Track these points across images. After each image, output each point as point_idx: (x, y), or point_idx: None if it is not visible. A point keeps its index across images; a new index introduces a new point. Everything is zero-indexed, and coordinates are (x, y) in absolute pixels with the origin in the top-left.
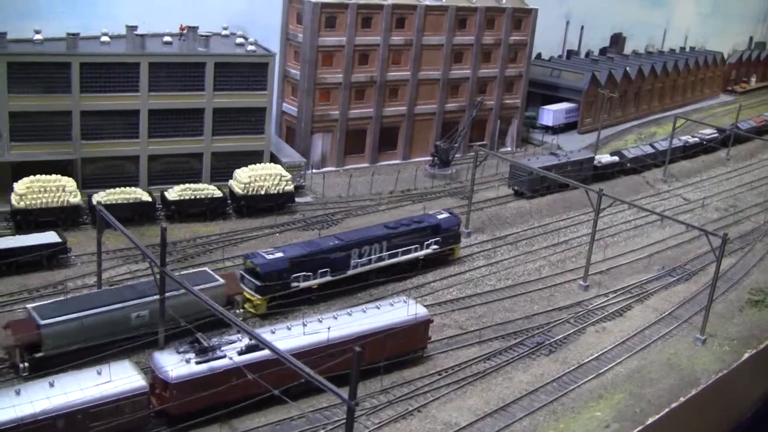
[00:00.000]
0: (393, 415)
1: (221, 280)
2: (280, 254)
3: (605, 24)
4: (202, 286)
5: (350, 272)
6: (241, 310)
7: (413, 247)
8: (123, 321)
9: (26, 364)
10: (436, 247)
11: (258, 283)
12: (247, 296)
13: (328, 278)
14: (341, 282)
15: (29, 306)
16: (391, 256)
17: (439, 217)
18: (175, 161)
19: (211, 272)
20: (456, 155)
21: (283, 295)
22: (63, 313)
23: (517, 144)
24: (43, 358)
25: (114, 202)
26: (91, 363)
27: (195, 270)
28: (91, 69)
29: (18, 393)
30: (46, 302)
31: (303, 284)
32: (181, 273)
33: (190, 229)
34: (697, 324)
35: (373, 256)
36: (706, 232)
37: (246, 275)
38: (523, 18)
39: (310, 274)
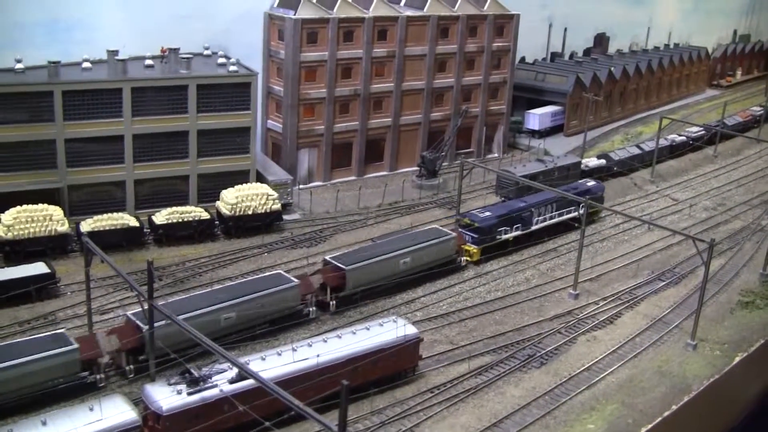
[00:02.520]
0: None
1: (295, 281)
2: (488, 213)
3: (588, 25)
4: (277, 288)
5: (533, 227)
6: (465, 259)
7: (572, 208)
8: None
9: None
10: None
11: (475, 236)
12: (466, 248)
13: (520, 232)
14: (527, 235)
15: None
16: (559, 215)
17: (589, 184)
18: (161, 184)
19: (286, 274)
20: (443, 164)
21: (491, 245)
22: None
23: (504, 150)
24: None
25: (101, 228)
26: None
27: (269, 273)
28: (73, 96)
29: None
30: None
31: (503, 236)
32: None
33: (178, 253)
34: (687, 329)
35: (547, 215)
36: (693, 238)
37: (464, 231)
38: (505, 24)
39: (508, 228)
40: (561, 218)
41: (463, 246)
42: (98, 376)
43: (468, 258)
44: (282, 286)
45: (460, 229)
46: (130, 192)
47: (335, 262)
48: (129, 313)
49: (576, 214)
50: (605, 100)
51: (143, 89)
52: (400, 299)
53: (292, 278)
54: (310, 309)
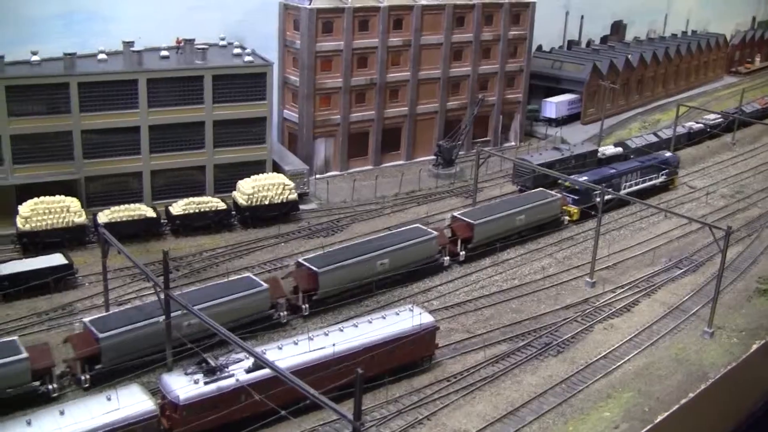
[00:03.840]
0: (402, 425)
1: (265, 285)
2: (586, 177)
3: (605, 12)
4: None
5: (621, 192)
6: (566, 218)
7: (654, 176)
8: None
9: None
10: (664, 176)
11: (576, 197)
12: (566, 208)
13: (611, 195)
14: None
15: (86, 320)
16: (642, 182)
17: (666, 155)
18: (177, 175)
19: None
20: (459, 153)
21: (588, 206)
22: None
23: (521, 138)
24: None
25: (119, 219)
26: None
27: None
28: (89, 88)
29: (29, 423)
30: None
31: (597, 199)
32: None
33: (195, 243)
34: (704, 316)
35: (632, 181)
36: (710, 226)
37: (566, 194)
38: (522, 12)
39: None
40: (644, 185)
41: (564, 207)
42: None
43: (569, 217)
44: (423, 237)
45: (563, 193)
46: (146, 183)
47: (464, 218)
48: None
49: (657, 181)
50: (622, 87)
51: (159, 80)
52: (416, 288)
53: (431, 230)
54: (444, 258)
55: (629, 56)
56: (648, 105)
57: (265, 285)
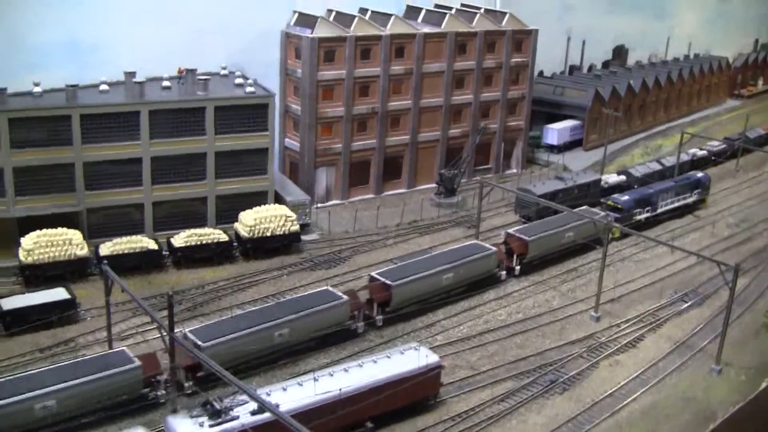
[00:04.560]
0: None
1: (345, 297)
2: (627, 197)
3: (607, 37)
4: (325, 305)
5: (659, 210)
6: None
7: (687, 194)
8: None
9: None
10: (697, 195)
11: (618, 216)
12: None
13: (649, 213)
14: (654, 217)
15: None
16: (677, 201)
17: (699, 175)
18: (179, 206)
19: (334, 290)
20: (461, 181)
21: (629, 225)
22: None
23: (523, 165)
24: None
25: (121, 252)
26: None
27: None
28: (91, 120)
29: None
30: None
31: (637, 216)
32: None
33: (197, 275)
34: (712, 352)
35: (668, 200)
36: (718, 263)
37: (608, 211)
38: (524, 39)
39: (641, 210)
40: (678, 203)
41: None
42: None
43: (611, 235)
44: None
45: (605, 211)
46: (148, 214)
47: (518, 235)
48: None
49: (689, 200)
50: (624, 113)
51: (161, 111)
52: (420, 323)
53: (490, 246)
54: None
55: (631, 81)
56: (650, 130)
57: (345, 297)
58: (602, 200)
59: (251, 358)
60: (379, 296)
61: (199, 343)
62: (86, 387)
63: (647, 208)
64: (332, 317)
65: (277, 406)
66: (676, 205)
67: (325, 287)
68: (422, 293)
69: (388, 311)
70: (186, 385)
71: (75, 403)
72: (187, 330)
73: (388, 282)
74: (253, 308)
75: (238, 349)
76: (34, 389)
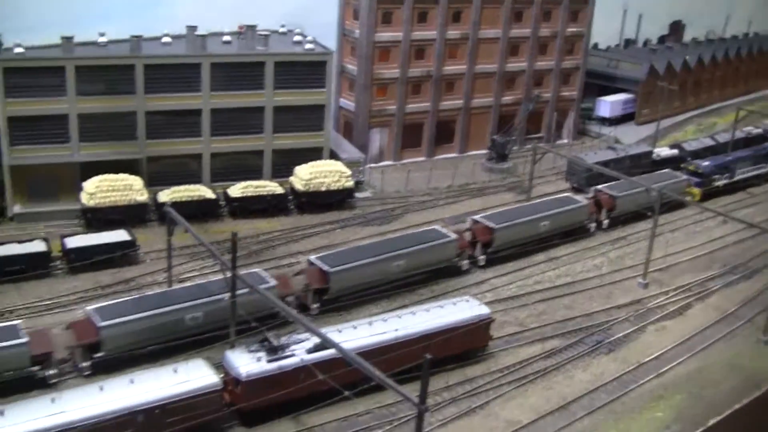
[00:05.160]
0: (456, 413)
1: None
2: (707, 163)
3: (664, 12)
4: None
5: (736, 177)
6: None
7: (763, 165)
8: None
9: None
10: None
11: (699, 180)
12: (689, 190)
13: (726, 180)
14: (734, 183)
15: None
16: (755, 170)
17: None
18: (236, 158)
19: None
20: (513, 149)
21: (709, 189)
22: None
23: (574, 136)
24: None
25: (179, 200)
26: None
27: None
28: (154, 70)
29: (101, 389)
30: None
31: (716, 182)
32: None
33: (252, 226)
34: (760, 324)
35: (745, 169)
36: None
37: (689, 176)
38: (580, 9)
39: (720, 176)
40: (754, 172)
41: (687, 189)
42: (49, 372)
43: (691, 198)
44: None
45: (686, 175)
46: (206, 165)
47: (484, 221)
48: (89, 307)
49: (763, 171)
50: (678, 89)
51: (222, 65)
52: (471, 280)
53: (581, 199)
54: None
55: (687, 57)
56: (704, 108)
57: (454, 236)
58: (683, 165)
59: (367, 288)
60: (483, 237)
61: (326, 268)
62: None
63: (726, 175)
64: (442, 253)
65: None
66: (753, 174)
67: (433, 227)
68: (522, 237)
69: (489, 252)
70: (313, 306)
71: None
72: (313, 257)
73: (491, 225)
74: (370, 241)
75: (360, 276)
76: None
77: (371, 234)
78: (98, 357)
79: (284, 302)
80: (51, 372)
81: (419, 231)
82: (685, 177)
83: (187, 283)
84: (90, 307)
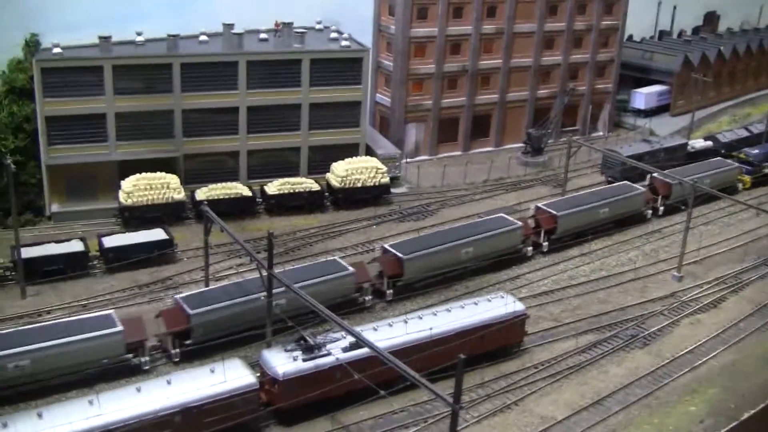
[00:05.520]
0: (491, 409)
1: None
2: (757, 151)
3: (698, 3)
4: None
5: None
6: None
7: None
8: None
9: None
10: None
11: (750, 168)
12: (740, 177)
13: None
14: None
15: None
16: None
17: None
18: (273, 156)
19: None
20: (548, 142)
21: (757, 177)
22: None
23: (609, 128)
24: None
25: (216, 197)
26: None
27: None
28: (191, 69)
29: (139, 390)
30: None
31: (766, 170)
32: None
33: (289, 222)
34: None
35: None
36: None
37: (741, 164)
38: (615, 2)
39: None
40: None
41: (739, 176)
42: (143, 359)
43: (742, 185)
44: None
45: (738, 163)
46: (243, 162)
47: (548, 209)
48: (178, 296)
49: None
50: (713, 80)
51: (258, 63)
52: (505, 275)
53: (639, 187)
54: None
55: (722, 48)
56: (738, 98)
57: (519, 223)
58: (734, 153)
59: (437, 274)
60: (547, 225)
61: (401, 255)
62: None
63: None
64: (509, 240)
65: None
66: None
67: (499, 214)
68: (583, 224)
69: (553, 239)
70: (388, 292)
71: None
72: (386, 245)
73: (554, 212)
74: (438, 230)
75: (431, 263)
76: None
77: (408, 230)
78: (188, 344)
79: (361, 289)
80: (144, 359)
81: (486, 219)
82: (736, 165)
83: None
84: (179, 295)
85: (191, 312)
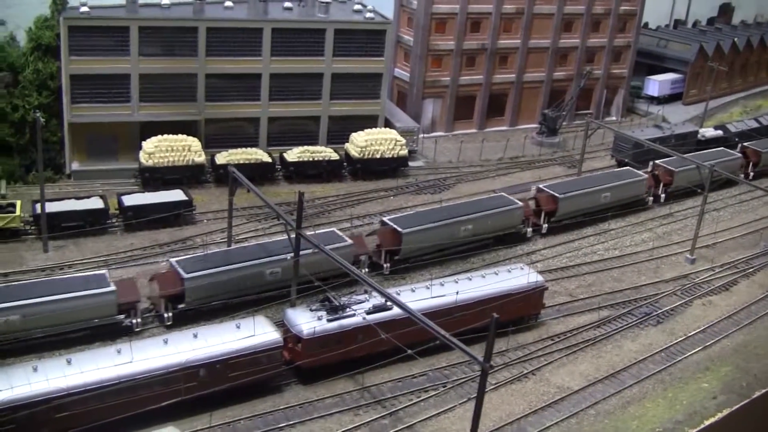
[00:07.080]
0: (509, 377)
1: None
2: None
3: None
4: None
5: None
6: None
7: None
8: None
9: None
10: None
11: None
12: None
13: None
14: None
15: (172, 260)
16: None
17: None
18: (293, 123)
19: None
20: (563, 123)
21: None
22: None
23: (622, 113)
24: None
25: (236, 162)
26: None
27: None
28: (216, 34)
29: (166, 342)
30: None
31: None
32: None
33: (307, 189)
34: None
35: None
36: None
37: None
38: None
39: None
40: None
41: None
42: (135, 321)
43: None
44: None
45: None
46: (263, 129)
47: (549, 190)
48: (173, 259)
49: None
50: (727, 70)
51: (283, 30)
52: (520, 250)
53: (641, 173)
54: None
55: (736, 39)
56: (751, 90)
57: (520, 203)
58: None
59: (435, 250)
60: (548, 206)
61: (399, 229)
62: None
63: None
64: (508, 220)
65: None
66: None
67: (500, 193)
68: (584, 207)
69: (553, 221)
70: (385, 266)
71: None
72: (386, 218)
73: (555, 194)
74: (439, 206)
75: (429, 238)
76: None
77: (424, 202)
78: (181, 308)
79: (358, 261)
80: (136, 320)
81: (486, 197)
82: (738, 155)
83: (267, 239)
84: (173, 259)
85: (185, 275)
